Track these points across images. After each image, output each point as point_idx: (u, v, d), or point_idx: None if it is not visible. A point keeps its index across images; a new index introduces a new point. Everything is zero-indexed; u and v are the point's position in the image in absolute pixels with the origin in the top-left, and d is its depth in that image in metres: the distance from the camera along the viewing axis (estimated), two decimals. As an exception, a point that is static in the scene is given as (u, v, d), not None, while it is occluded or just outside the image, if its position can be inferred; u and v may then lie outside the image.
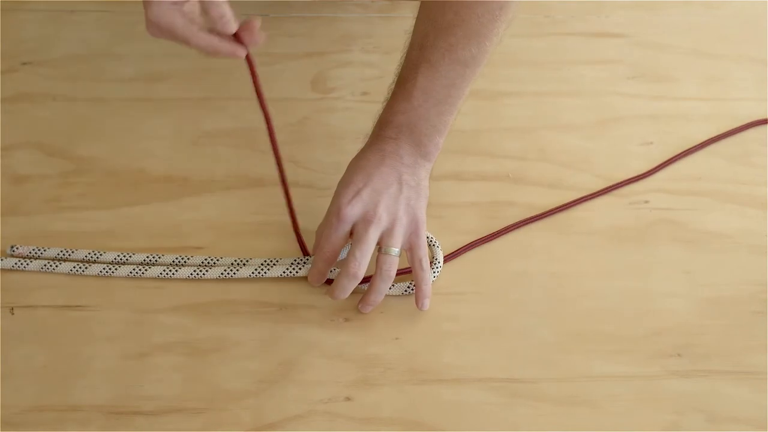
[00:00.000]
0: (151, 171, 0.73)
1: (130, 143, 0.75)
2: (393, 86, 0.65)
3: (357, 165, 0.64)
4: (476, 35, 0.61)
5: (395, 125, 0.64)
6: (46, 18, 0.85)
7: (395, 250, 0.62)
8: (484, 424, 0.59)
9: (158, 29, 0.59)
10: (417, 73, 0.62)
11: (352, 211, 0.62)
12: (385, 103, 0.66)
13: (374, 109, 0.78)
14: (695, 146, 0.76)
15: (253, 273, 0.65)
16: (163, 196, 0.71)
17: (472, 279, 0.67)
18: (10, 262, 0.66)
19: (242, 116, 0.78)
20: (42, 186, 0.72)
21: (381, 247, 0.62)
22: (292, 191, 0.71)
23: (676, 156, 0.76)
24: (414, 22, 0.64)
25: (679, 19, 0.89)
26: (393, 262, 0.62)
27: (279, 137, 0.76)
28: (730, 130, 0.78)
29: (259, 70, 0.82)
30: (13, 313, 0.64)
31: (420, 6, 0.64)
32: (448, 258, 0.67)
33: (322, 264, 0.64)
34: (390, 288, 0.64)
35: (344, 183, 0.64)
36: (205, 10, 0.59)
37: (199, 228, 0.69)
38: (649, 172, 0.74)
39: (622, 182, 0.73)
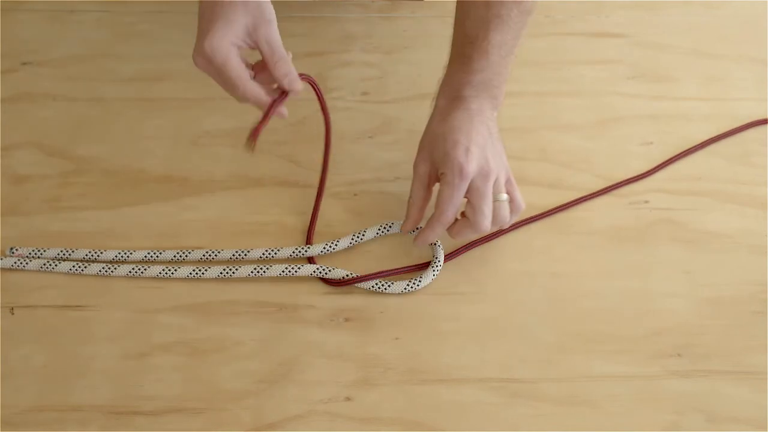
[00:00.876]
0: (151, 171, 0.73)
1: (130, 143, 0.75)
2: (455, 48, 0.66)
3: (452, 126, 0.63)
4: None
5: (474, 84, 0.65)
6: (46, 18, 0.85)
7: (504, 195, 0.64)
8: (484, 424, 0.60)
9: (208, 63, 0.59)
10: (488, 30, 0.63)
11: (471, 167, 0.61)
12: (451, 64, 0.66)
13: (374, 109, 0.78)
14: (695, 146, 0.76)
15: (252, 272, 0.65)
16: (163, 196, 0.71)
17: (472, 279, 0.67)
18: (9, 261, 0.66)
19: (242, 116, 0.77)
20: (42, 186, 0.72)
21: (493, 196, 0.63)
22: (292, 191, 0.72)
23: (676, 156, 0.76)
24: None
25: (679, 19, 0.89)
26: (506, 207, 0.64)
27: (279, 137, 0.76)
28: (730, 130, 0.78)
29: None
30: (13, 313, 0.64)
31: None
32: (448, 257, 0.67)
33: (441, 228, 0.64)
34: (391, 285, 0.65)
35: (449, 144, 0.62)
36: (270, 64, 0.60)
37: (199, 228, 0.69)
38: (649, 171, 0.74)
39: (621, 182, 0.73)
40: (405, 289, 0.65)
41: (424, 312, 0.65)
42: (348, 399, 0.60)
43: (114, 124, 0.76)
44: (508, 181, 0.65)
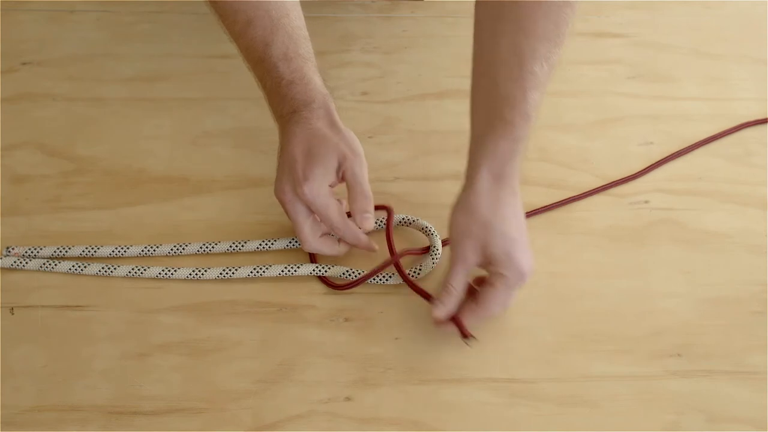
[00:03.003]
0: (151, 171, 0.73)
1: (130, 143, 0.75)
2: (495, 109, 0.59)
3: (504, 216, 0.60)
4: (564, 34, 0.59)
5: (518, 153, 0.60)
6: (46, 18, 0.85)
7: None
8: (484, 424, 0.60)
9: (307, 205, 0.61)
10: (525, 89, 0.58)
11: (531, 271, 0.60)
12: (487, 132, 0.60)
13: (374, 109, 0.78)
14: (694, 144, 0.76)
15: (251, 273, 0.65)
16: (163, 196, 0.71)
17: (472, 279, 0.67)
18: (9, 261, 0.66)
19: (242, 116, 0.78)
20: (42, 186, 0.72)
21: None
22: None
23: (675, 153, 0.75)
24: (479, 32, 0.61)
25: (679, 19, 0.89)
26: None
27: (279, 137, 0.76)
28: (729, 129, 0.78)
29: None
30: (13, 313, 0.64)
31: (492, 22, 0.59)
32: (445, 243, 0.68)
33: (480, 321, 0.62)
34: (391, 277, 0.66)
35: (508, 243, 0.59)
36: (351, 196, 0.63)
37: (199, 228, 0.69)
38: (646, 169, 0.74)
39: (620, 180, 0.73)
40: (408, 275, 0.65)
41: (424, 312, 0.65)
42: (348, 399, 0.60)
43: (114, 124, 0.76)
44: None
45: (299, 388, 0.61)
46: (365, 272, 0.65)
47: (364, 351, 0.63)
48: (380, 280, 0.66)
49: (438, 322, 0.61)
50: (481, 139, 0.60)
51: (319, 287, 0.66)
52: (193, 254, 0.67)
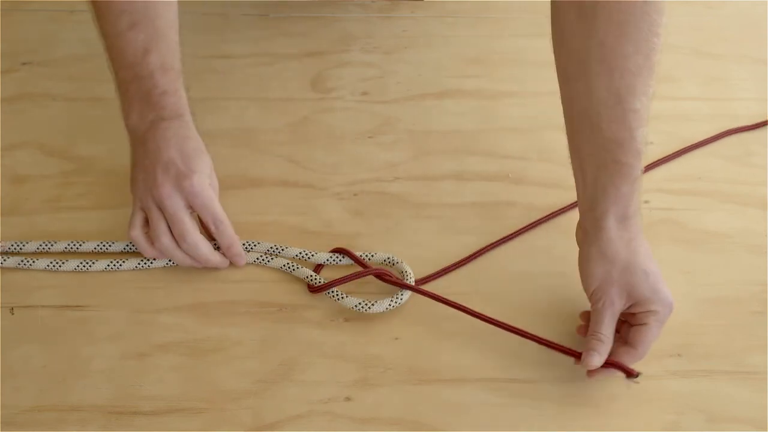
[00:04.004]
0: (151, 171, 0.73)
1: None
2: (606, 153, 0.58)
3: (639, 254, 0.59)
4: (656, 64, 0.57)
5: (636, 194, 0.59)
6: (46, 18, 0.85)
7: None
8: (484, 424, 0.59)
9: (190, 199, 0.62)
10: (632, 129, 0.57)
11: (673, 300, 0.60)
12: (608, 176, 0.58)
13: (374, 109, 0.78)
14: (695, 145, 0.76)
15: (257, 260, 0.67)
16: (163, 196, 0.71)
17: (473, 279, 0.67)
18: (15, 261, 0.66)
19: (242, 116, 0.78)
20: (42, 186, 0.72)
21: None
22: (292, 191, 0.72)
23: (675, 153, 0.75)
24: (578, 83, 0.59)
25: (679, 19, 0.89)
26: None
27: (279, 137, 0.76)
28: (729, 130, 0.78)
29: (259, 70, 0.82)
30: (13, 313, 0.64)
31: (580, 66, 0.58)
32: (453, 267, 0.67)
33: (633, 362, 0.60)
34: (375, 304, 0.64)
35: (653, 278, 0.59)
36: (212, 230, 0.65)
37: (199, 228, 0.69)
38: (646, 168, 0.74)
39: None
40: (388, 306, 0.64)
41: (424, 312, 0.65)
42: (348, 399, 0.60)
43: (114, 124, 0.76)
44: None
45: (299, 388, 0.61)
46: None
47: (364, 351, 0.63)
48: (365, 306, 0.64)
49: (593, 372, 0.60)
50: (598, 184, 0.59)
51: (319, 287, 0.66)
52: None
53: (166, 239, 0.63)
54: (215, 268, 0.66)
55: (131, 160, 0.65)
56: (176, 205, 0.62)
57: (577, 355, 0.60)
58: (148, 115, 0.64)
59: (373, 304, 0.64)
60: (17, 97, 0.78)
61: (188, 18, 0.85)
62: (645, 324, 0.59)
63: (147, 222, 0.64)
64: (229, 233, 0.65)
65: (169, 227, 0.63)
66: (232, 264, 0.66)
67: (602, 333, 0.59)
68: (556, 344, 0.61)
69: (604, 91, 0.57)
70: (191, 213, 0.63)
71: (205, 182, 0.63)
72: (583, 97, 0.59)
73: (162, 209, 0.62)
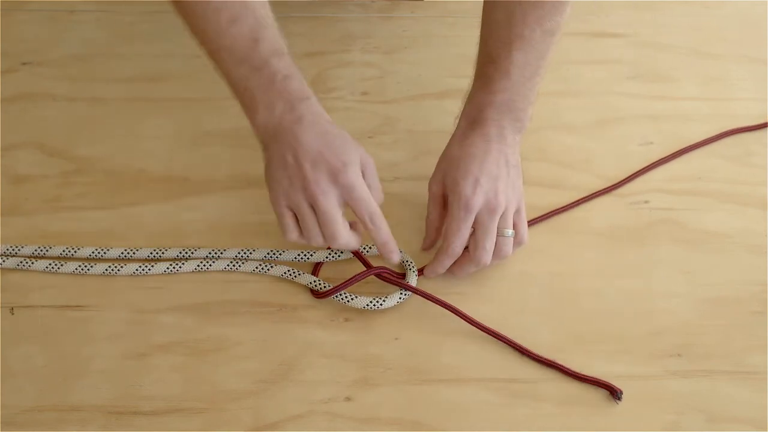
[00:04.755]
0: (151, 171, 0.73)
1: (130, 143, 0.75)
2: (478, 68, 0.65)
3: (467, 153, 0.63)
4: (560, 2, 0.61)
5: (495, 105, 0.64)
6: (46, 18, 0.85)
7: (510, 231, 0.64)
8: (484, 424, 0.60)
9: (346, 193, 0.58)
10: (511, 50, 0.62)
11: (478, 201, 0.61)
12: (474, 84, 0.66)
13: (374, 109, 0.78)
14: (695, 145, 0.76)
15: (256, 269, 0.66)
16: (163, 196, 0.71)
17: (473, 279, 0.67)
18: (14, 262, 0.66)
19: (242, 116, 0.77)
20: (42, 186, 0.72)
21: (497, 230, 0.63)
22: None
23: (675, 153, 0.76)
24: (484, 4, 0.64)
25: (679, 19, 0.89)
26: (510, 243, 0.64)
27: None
28: (729, 130, 0.78)
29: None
30: (13, 313, 0.64)
31: None
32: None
33: (449, 259, 0.64)
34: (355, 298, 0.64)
35: (461, 173, 0.62)
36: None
37: (199, 228, 0.69)
38: (645, 168, 0.74)
39: (620, 182, 0.73)
40: (400, 299, 0.65)
41: (424, 312, 0.65)
42: (348, 399, 0.60)
43: (114, 124, 0.76)
44: (517, 212, 0.64)
45: (299, 388, 0.61)
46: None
47: (364, 351, 0.63)
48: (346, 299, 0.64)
49: (425, 250, 0.68)
50: (469, 92, 0.66)
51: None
52: (201, 258, 0.67)
53: (319, 240, 0.60)
54: None
55: (266, 160, 0.61)
56: (330, 203, 0.58)
57: (581, 376, 0.61)
58: (276, 105, 0.59)
59: (384, 300, 0.64)
60: (17, 97, 0.78)
61: (188, 18, 0.85)
62: (447, 218, 0.64)
63: (297, 220, 0.60)
64: (385, 229, 0.61)
65: (319, 224, 0.59)
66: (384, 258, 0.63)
67: (428, 214, 0.66)
68: (547, 359, 0.62)
69: (501, 13, 0.62)
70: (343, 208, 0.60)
71: (359, 173, 0.59)
72: (485, 16, 0.64)
73: (314, 207, 0.58)
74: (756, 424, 0.60)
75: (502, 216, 0.63)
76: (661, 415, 0.60)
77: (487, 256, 0.63)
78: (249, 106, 0.61)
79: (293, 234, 0.60)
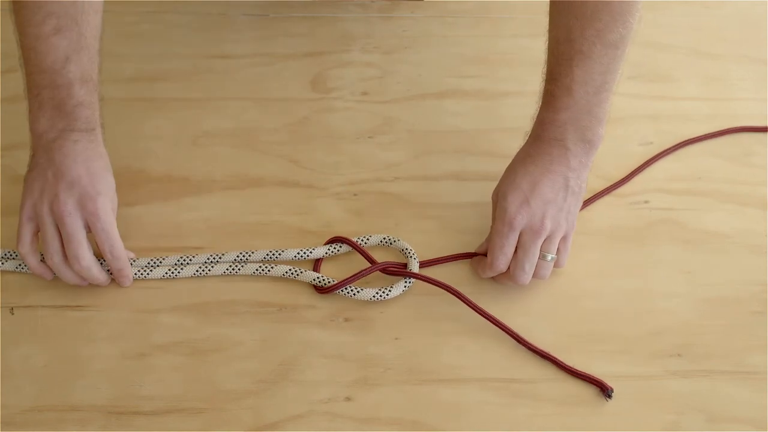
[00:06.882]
0: (151, 171, 0.73)
1: (130, 143, 0.75)
2: (544, 85, 0.64)
3: (524, 169, 0.63)
4: (621, 14, 0.60)
5: (559, 124, 0.62)
6: (46, 18, 0.85)
7: (551, 256, 0.63)
8: (484, 424, 0.60)
9: (90, 221, 0.61)
10: (572, 66, 0.61)
11: (521, 220, 0.61)
12: (539, 105, 0.64)
13: (374, 109, 0.78)
14: (694, 140, 0.77)
15: (256, 270, 0.66)
16: (163, 196, 0.71)
17: (473, 279, 0.67)
18: (13, 264, 0.66)
19: (242, 116, 0.78)
20: (42, 186, 0.71)
21: (540, 252, 0.63)
22: (292, 191, 0.72)
23: (673, 147, 0.76)
24: (548, 19, 0.63)
25: (679, 19, 0.89)
26: (549, 267, 0.64)
27: (279, 137, 0.76)
28: (729, 129, 0.78)
29: (259, 70, 0.82)
30: (13, 313, 0.64)
31: (553, 6, 0.62)
32: (457, 257, 0.68)
33: (492, 273, 0.64)
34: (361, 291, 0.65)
35: (511, 189, 0.63)
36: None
37: (199, 228, 0.69)
38: (646, 163, 0.74)
39: (619, 181, 0.73)
40: (404, 288, 0.65)
41: (424, 312, 0.65)
42: (348, 399, 0.60)
43: (114, 124, 0.76)
44: (563, 238, 0.64)
45: (299, 388, 0.61)
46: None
47: (364, 351, 0.63)
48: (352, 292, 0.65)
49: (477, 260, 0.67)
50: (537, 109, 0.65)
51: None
52: (201, 263, 0.67)
53: (58, 258, 0.61)
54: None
55: (29, 164, 0.63)
56: (75, 225, 0.60)
57: (574, 371, 0.62)
58: (58, 123, 0.62)
59: (390, 290, 0.64)
60: (17, 97, 0.78)
61: (188, 18, 0.86)
62: (490, 232, 0.65)
63: (36, 233, 0.62)
64: (123, 258, 0.63)
65: (62, 244, 0.61)
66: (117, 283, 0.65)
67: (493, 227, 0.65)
68: (550, 355, 0.62)
69: (561, 30, 0.61)
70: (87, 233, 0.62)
71: (108, 206, 0.62)
72: (549, 34, 0.63)
73: (60, 226, 0.61)
74: (756, 424, 0.60)
75: (547, 240, 0.62)
76: (661, 415, 0.60)
77: (524, 276, 0.63)
78: (34, 111, 0.63)
79: (25, 246, 0.62)
